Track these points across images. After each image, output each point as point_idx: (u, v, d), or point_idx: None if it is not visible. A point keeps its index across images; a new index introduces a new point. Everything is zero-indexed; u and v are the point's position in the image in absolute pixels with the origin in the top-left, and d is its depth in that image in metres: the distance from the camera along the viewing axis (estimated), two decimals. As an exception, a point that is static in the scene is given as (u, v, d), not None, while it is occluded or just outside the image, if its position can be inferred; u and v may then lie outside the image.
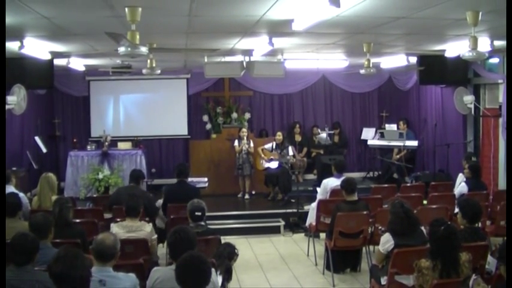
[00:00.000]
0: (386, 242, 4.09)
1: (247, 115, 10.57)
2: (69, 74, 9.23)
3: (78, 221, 4.93)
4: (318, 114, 10.98)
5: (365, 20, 4.68)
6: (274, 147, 8.85)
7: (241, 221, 7.80)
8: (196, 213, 4.40)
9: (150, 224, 4.68)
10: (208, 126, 10.45)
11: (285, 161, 8.37)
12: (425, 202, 6.22)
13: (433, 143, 9.19)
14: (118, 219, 4.90)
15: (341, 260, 5.71)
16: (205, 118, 10.48)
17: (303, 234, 7.39)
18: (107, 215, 5.76)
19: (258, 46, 6.32)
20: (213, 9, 4.20)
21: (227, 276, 3.60)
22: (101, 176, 8.58)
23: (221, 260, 3.65)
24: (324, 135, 9.75)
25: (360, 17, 4.49)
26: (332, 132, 10.21)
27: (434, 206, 5.72)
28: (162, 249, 5.47)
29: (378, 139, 9.95)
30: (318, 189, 6.55)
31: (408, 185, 7.53)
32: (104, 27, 4.22)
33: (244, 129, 9.07)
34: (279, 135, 8.82)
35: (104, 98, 10.35)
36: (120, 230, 4.43)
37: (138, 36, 4.03)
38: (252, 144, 8.95)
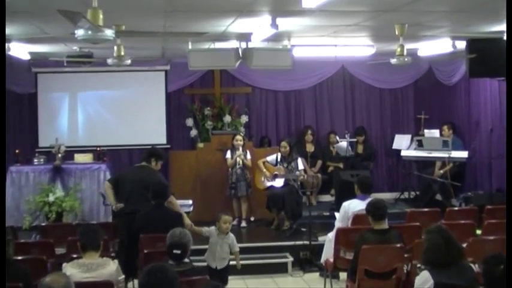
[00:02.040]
0: (424, 282, 4.06)
1: (244, 118, 10.60)
2: (10, 64, 8.90)
3: (20, 258, 4.87)
4: (336, 116, 10.99)
5: (397, -7, 4.70)
6: (279, 159, 8.86)
7: (236, 256, 7.85)
8: (175, 251, 4.46)
9: (116, 261, 4.69)
10: (194, 132, 10.50)
11: (293, 177, 8.45)
12: (478, 232, 6.20)
13: (488, 154, 9.10)
14: (74, 255, 4.88)
15: (368, 308, 5.67)
16: (190, 122, 10.53)
17: (317, 274, 7.43)
18: (60, 250, 5.74)
19: (258, 29, 6.36)
20: (199, -20, 4.21)
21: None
22: (52, 198, 8.61)
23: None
24: (343, 144, 9.80)
25: (390, -11, 4.51)
26: (355, 140, 10.27)
27: (490, 238, 5.68)
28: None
29: (415, 149, 9.95)
30: (337, 214, 6.65)
31: (456, 209, 7.45)
32: (57, 3, 4.24)
33: (239, 137, 9.14)
34: (285, 145, 8.83)
35: (57, 96, 10.32)
36: (75, 270, 4.42)
37: (101, 16, 4.04)
38: (249, 156, 9.02)
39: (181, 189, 8.98)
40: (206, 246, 5.93)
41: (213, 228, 5.92)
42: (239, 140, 8.98)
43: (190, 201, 7.96)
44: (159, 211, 5.98)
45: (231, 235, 5.98)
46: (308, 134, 10.50)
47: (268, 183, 8.91)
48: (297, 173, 8.43)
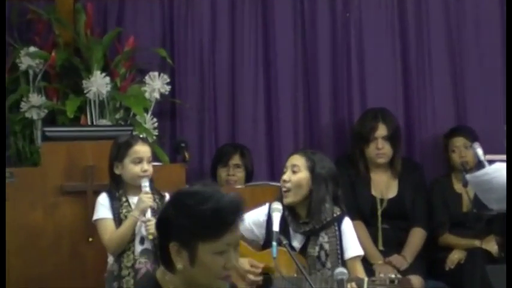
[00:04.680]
0: None
1: (156, 84, 6.20)
2: None
3: None
4: (472, 79, 6.65)
5: None
6: (275, 227, 4.98)
7: None
8: None
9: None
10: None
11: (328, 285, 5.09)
12: None
13: None
14: None
15: None
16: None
17: None
18: None
19: None
20: None
21: None
22: None
23: None
24: (496, 168, 5.78)
25: None
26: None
27: None
28: None
29: None
30: None
31: None
32: None
33: (145, 148, 5.25)
34: (298, 162, 5.26)
35: None
36: None
37: None
38: None
39: None
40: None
41: None
42: (146, 156, 5.14)
43: None
44: None
45: None
46: (378, 139, 5.86)
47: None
48: (339, 273, 3.94)
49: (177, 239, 2.36)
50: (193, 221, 2.37)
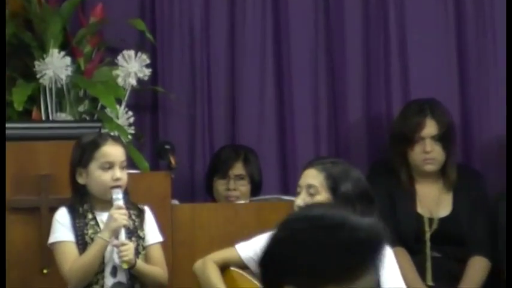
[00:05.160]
0: None
1: (134, 66, 5.56)
2: None
3: None
4: None
5: None
6: None
7: None
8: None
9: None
10: None
11: None
12: None
13: None
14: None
15: None
16: None
17: None
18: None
19: None
20: None
21: None
22: None
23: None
24: None
25: None
26: None
27: None
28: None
29: None
30: None
31: None
32: None
33: (118, 150, 4.81)
34: (314, 180, 5.03)
35: None
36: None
37: None
38: (153, 238, 5.01)
39: None
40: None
41: None
42: (118, 160, 4.72)
43: None
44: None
45: None
46: (426, 140, 5.42)
47: None
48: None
49: (294, 281, 1.93)
50: (319, 258, 1.99)
